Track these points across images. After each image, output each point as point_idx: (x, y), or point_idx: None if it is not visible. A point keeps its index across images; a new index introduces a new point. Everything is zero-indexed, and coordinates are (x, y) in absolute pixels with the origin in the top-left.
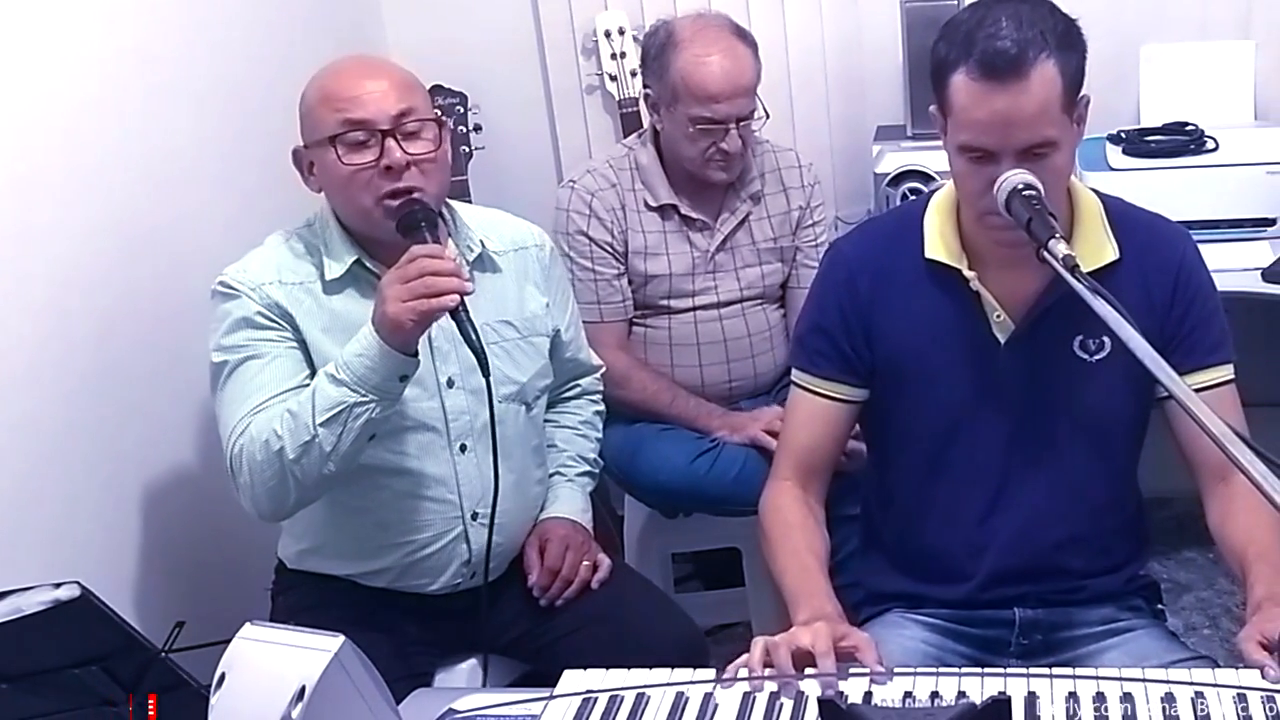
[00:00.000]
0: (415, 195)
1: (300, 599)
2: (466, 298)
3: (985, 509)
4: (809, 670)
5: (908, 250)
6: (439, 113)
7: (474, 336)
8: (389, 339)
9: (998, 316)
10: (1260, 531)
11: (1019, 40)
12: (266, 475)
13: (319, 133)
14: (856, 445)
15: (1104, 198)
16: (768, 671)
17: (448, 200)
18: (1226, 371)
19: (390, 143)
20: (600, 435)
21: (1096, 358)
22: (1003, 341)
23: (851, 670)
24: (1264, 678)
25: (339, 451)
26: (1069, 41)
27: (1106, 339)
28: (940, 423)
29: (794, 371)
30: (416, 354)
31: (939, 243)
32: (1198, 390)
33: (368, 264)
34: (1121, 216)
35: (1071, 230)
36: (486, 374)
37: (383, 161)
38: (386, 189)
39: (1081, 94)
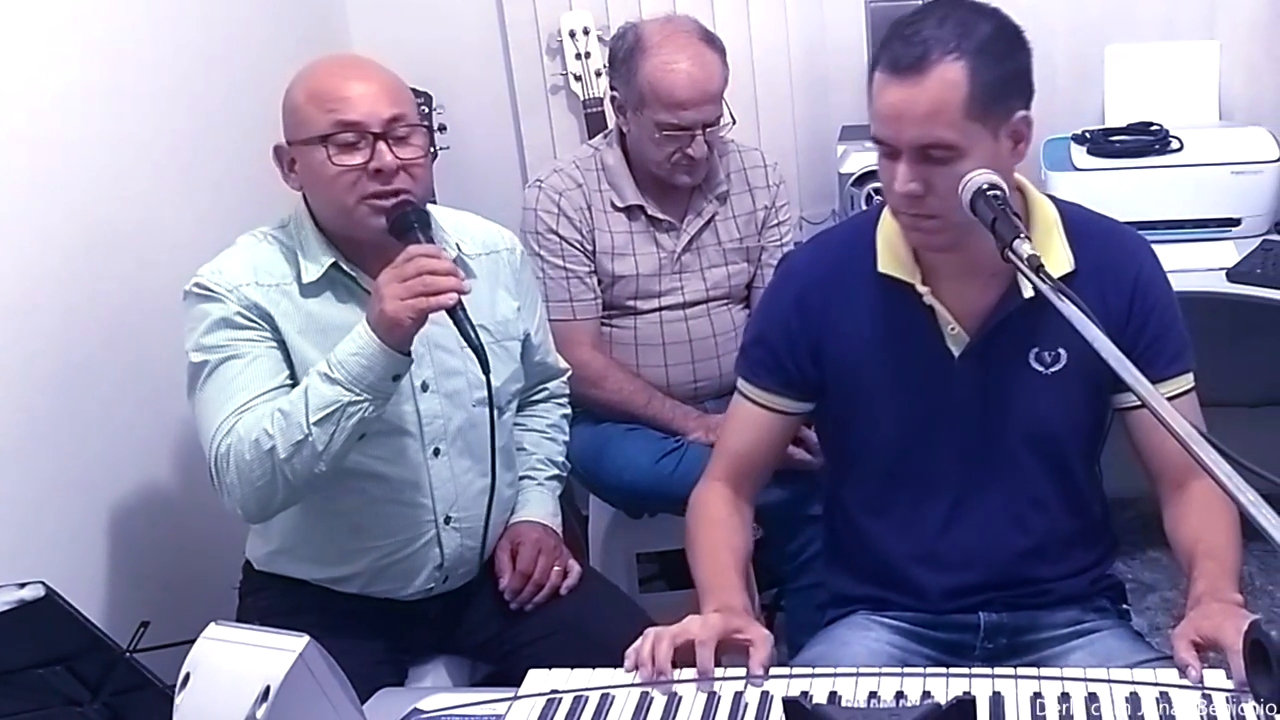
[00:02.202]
0: (404, 198)
1: (269, 602)
2: (463, 297)
3: (944, 522)
4: (732, 670)
5: (860, 264)
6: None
7: (473, 334)
8: (386, 337)
9: (952, 329)
10: (1211, 531)
11: (927, 38)
12: (255, 475)
13: (307, 131)
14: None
15: (1061, 205)
16: (691, 673)
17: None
18: (1187, 381)
19: (381, 146)
20: (568, 438)
21: (1052, 370)
22: (957, 355)
23: (773, 673)
24: (1183, 676)
25: (331, 450)
26: (994, 49)
27: (1062, 351)
28: (895, 437)
29: (737, 377)
30: (410, 353)
31: (890, 256)
32: None
33: (345, 267)
34: (1079, 225)
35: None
36: (486, 370)
37: (372, 164)
38: (372, 190)
39: (1019, 110)
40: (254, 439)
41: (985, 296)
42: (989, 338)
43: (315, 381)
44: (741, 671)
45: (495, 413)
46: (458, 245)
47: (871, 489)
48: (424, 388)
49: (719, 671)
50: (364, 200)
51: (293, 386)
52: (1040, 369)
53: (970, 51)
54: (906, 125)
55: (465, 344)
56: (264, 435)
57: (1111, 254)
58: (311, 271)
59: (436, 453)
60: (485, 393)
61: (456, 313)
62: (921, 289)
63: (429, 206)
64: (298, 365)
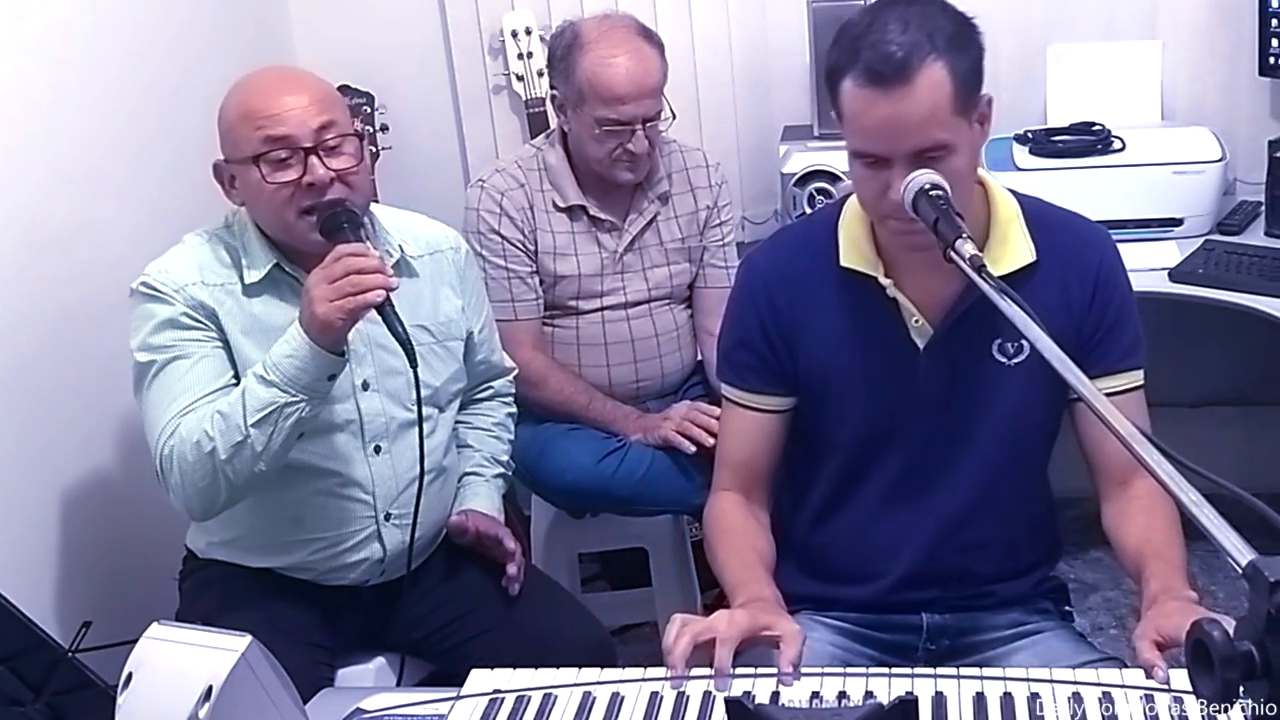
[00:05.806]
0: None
1: (207, 578)
2: (391, 294)
3: (899, 510)
4: (696, 670)
5: (822, 259)
6: (358, 124)
7: (401, 330)
8: (318, 339)
9: (915, 321)
10: (1156, 531)
11: (903, 44)
12: (198, 476)
13: (241, 151)
14: None
15: (1021, 198)
16: (696, 671)
17: None
18: (1137, 377)
19: (313, 160)
20: (512, 437)
21: (1015, 361)
22: (921, 347)
23: (760, 672)
24: (1150, 677)
25: (270, 451)
26: (960, 42)
27: (1025, 342)
28: (861, 430)
29: (723, 386)
30: (344, 352)
31: (853, 250)
32: (1108, 395)
33: (286, 268)
34: (1040, 217)
35: (988, 232)
36: (414, 363)
37: (305, 179)
38: (308, 204)
39: (982, 94)
40: (195, 440)
41: (948, 288)
42: (952, 329)
43: (252, 383)
44: (695, 672)
45: (431, 409)
46: (401, 246)
47: (832, 481)
48: (365, 386)
49: (663, 672)
50: (302, 215)
51: (236, 386)
52: (1003, 360)
53: (943, 48)
54: (904, 135)
55: (393, 338)
56: (204, 437)
57: (1073, 246)
58: (254, 273)
59: (377, 450)
60: (425, 392)
61: (385, 309)
62: (884, 281)
63: (373, 206)
64: (240, 365)
